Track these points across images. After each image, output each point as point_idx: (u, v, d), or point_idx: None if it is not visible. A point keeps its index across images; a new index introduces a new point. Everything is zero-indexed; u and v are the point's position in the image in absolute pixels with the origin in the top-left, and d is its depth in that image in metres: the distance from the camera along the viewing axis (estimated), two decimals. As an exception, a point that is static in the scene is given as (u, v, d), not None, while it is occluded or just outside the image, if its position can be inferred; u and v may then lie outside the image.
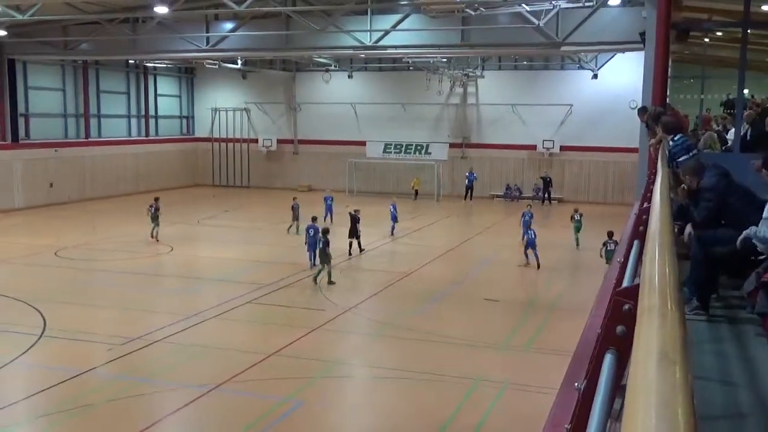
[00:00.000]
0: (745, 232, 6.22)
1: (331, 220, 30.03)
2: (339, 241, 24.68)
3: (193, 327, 16.60)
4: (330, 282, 20.79)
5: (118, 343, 15.17)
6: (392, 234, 29.43)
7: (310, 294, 20.01)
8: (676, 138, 8.89)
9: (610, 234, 21.03)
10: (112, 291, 20.13)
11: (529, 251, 23.86)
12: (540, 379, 12.82)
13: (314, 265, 22.37)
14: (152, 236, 27.66)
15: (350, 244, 25.04)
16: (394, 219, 29.65)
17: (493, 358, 15.02)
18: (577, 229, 27.33)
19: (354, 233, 25.11)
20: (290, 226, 29.20)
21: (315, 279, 20.92)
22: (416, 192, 42.16)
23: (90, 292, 19.92)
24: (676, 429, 0.87)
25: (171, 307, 18.42)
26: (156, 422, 11.70)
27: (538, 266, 23.43)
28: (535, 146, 41.71)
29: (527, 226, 25.79)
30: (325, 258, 20.80)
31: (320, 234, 21.20)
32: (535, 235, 23.92)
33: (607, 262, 20.26)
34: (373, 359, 15.11)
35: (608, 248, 20.39)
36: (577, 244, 27.22)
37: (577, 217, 27.51)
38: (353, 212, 25.41)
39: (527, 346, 15.67)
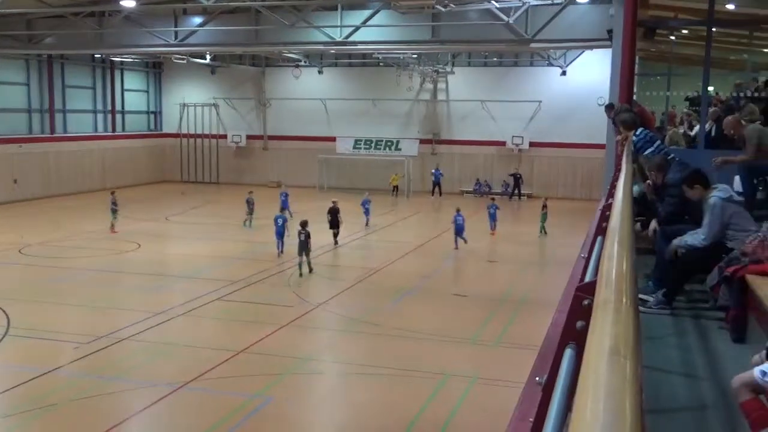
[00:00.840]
0: (674, 242, 6.48)
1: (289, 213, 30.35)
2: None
3: (161, 324, 16.45)
4: (310, 270, 21.61)
5: (84, 342, 14.98)
6: (367, 225, 30.36)
7: (279, 290, 19.93)
8: (638, 132, 9.01)
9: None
10: (78, 289, 19.87)
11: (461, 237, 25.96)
12: (508, 374, 12.91)
13: (282, 252, 23.77)
14: (113, 229, 28.49)
15: (335, 235, 26.35)
16: (367, 212, 30.73)
17: (462, 353, 15.09)
18: (543, 218, 29.50)
19: (335, 224, 26.20)
20: (245, 220, 29.99)
21: (301, 272, 21.45)
22: (396, 188, 42.30)
23: (55, 290, 19.64)
24: (622, 421, 0.89)
25: (138, 305, 18.23)
26: (123, 421, 11.59)
27: (456, 247, 25.80)
28: (505, 142, 41.93)
29: (493, 218, 28.52)
30: (306, 250, 21.39)
31: (300, 227, 21.67)
32: (463, 221, 25.79)
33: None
34: (343, 355, 15.11)
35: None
36: (540, 231, 29.29)
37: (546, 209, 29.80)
38: (332, 204, 26.46)
39: (496, 341, 15.77)
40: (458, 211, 26.16)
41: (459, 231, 25.74)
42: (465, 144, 42.98)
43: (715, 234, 6.16)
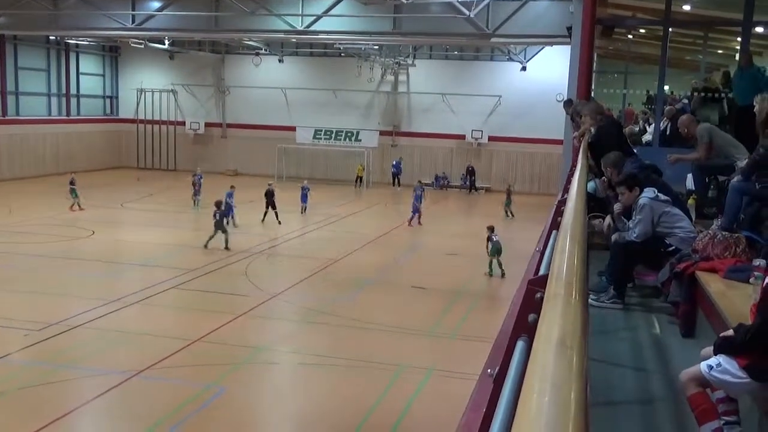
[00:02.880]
0: (614, 236, 6.94)
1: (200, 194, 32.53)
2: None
3: (115, 312, 16.22)
4: (226, 247, 22.82)
5: (34, 329, 14.69)
6: (303, 213, 31.09)
7: (236, 280, 19.79)
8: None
9: (492, 228, 21.55)
10: (29, 275, 19.45)
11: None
12: (464, 365, 13.00)
13: (234, 225, 25.93)
14: (79, 208, 29.55)
15: (265, 214, 28.27)
16: (305, 199, 31.38)
17: (419, 345, 15.16)
18: (507, 203, 32.09)
19: (271, 205, 28.24)
20: (193, 201, 31.70)
21: (207, 244, 22.97)
22: (360, 179, 42.23)
23: (6, 276, 19.19)
24: (566, 412, 0.90)
25: (92, 292, 17.93)
26: (73, 410, 11.40)
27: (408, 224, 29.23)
28: (464, 136, 42.17)
29: (419, 199, 30.55)
30: (221, 226, 22.95)
31: (215, 206, 23.21)
32: (420, 201, 29.76)
33: (490, 257, 20.99)
34: (299, 346, 15.06)
35: (493, 242, 21.03)
36: (506, 214, 31.86)
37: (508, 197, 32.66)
38: (268, 186, 28.71)
39: (453, 333, 15.88)
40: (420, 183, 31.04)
41: (416, 211, 29.25)
42: (425, 137, 43.10)
43: (646, 232, 6.58)
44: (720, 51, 23.45)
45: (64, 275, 19.75)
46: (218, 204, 23.33)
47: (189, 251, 23.12)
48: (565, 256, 2.02)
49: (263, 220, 28.23)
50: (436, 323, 16.55)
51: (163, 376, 12.67)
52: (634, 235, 6.61)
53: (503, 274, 20.75)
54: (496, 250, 20.83)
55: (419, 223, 29.36)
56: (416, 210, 29.42)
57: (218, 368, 13.22)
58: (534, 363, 1.13)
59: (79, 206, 29.72)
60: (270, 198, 28.19)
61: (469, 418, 2.71)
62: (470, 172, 41.53)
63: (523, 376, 1.82)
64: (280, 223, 27.96)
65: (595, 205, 7.99)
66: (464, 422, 2.84)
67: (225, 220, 23.39)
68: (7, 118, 39.49)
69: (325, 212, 31.33)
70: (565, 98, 14.82)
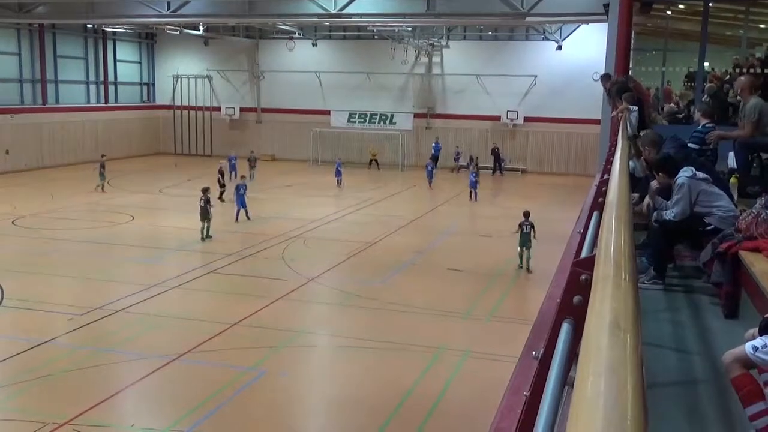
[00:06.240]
0: (655, 214, 6.88)
1: (237, 177, 32.80)
2: (302, 210, 25.27)
3: (155, 297, 16.47)
4: (209, 236, 22.14)
5: (78, 313, 15.00)
6: (340, 186, 33.54)
7: (274, 263, 19.95)
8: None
9: (527, 214, 19.62)
10: (71, 260, 19.85)
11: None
12: (501, 348, 13.00)
13: (248, 218, 25.35)
14: (102, 189, 31.22)
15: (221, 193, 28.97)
16: (339, 173, 33.98)
17: (455, 327, 15.17)
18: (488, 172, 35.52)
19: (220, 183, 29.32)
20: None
21: (203, 237, 22.18)
22: (374, 161, 42.33)
23: (49, 262, 19.62)
24: (623, 396, 0.89)
25: (132, 277, 18.24)
26: (117, 392, 11.64)
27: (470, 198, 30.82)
28: (500, 117, 41.82)
29: (430, 174, 34.25)
30: (206, 215, 22.08)
31: (201, 192, 22.52)
32: (431, 177, 32.77)
33: (520, 246, 19.38)
34: (337, 329, 15.17)
35: (524, 230, 19.29)
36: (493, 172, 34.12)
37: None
38: (220, 164, 30.41)
39: (489, 316, 15.86)
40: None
41: (473, 186, 30.74)
42: (460, 118, 42.85)
43: (684, 211, 6.52)
44: (762, 25, 22.85)
45: (105, 260, 20.10)
46: (205, 190, 22.35)
47: (227, 236, 23.34)
48: (612, 237, 1.99)
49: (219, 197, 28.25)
50: (472, 305, 16.52)
51: (204, 360, 12.86)
52: (672, 215, 6.54)
53: (528, 268, 19.29)
54: (524, 241, 19.23)
55: (475, 199, 30.79)
56: (473, 185, 30.85)
57: (258, 351, 13.38)
58: (587, 346, 1.12)
59: (102, 188, 31.24)
60: (222, 176, 29.35)
61: (510, 400, 2.70)
62: (496, 153, 41.03)
63: (570, 359, 1.81)
64: (223, 201, 28.11)
65: (634, 184, 7.88)
66: (505, 405, 2.84)
67: (209, 208, 22.15)
68: (47, 105, 40.16)
69: (361, 195, 31.36)
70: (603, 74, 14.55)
